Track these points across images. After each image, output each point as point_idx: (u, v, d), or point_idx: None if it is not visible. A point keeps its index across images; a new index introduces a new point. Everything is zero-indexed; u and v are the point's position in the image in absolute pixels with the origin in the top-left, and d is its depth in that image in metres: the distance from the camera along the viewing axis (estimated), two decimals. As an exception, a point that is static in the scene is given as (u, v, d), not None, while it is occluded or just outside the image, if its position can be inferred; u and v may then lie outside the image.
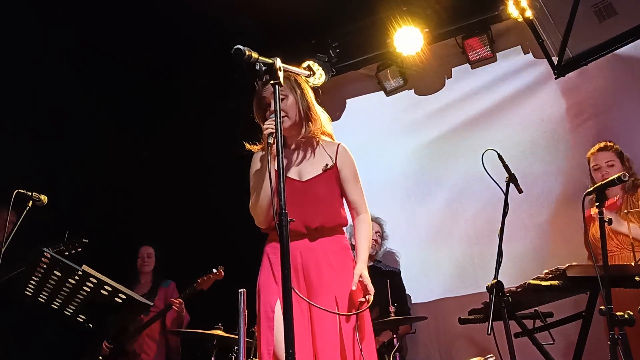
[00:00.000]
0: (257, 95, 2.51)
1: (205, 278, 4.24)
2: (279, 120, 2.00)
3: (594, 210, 2.91)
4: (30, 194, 3.29)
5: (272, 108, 2.19)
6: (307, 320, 2.29)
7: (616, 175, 2.28)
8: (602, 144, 3.47)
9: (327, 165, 2.47)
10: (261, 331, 2.30)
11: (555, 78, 2.35)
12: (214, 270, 4.25)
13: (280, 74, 2.04)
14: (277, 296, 2.28)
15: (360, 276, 2.29)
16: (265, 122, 2.24)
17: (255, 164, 2.52)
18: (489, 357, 2.32)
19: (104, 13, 4.37)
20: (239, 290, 2.20)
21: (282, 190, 1.90)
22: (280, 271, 1.97)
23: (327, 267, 2.35)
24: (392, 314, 3.75)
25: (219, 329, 3.85)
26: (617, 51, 2.12)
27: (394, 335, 3.87)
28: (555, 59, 2.25)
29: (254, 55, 2.00)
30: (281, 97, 2.25)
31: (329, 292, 2.31)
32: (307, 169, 2.47)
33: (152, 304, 3.19)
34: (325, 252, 2.38)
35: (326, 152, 2.50)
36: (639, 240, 3.15)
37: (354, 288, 2.27)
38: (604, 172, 3.38)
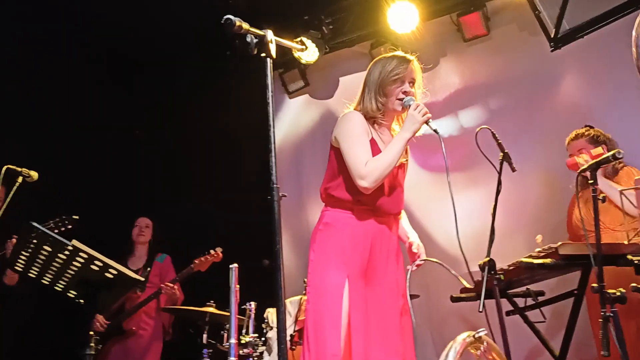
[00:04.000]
0: (395, 68, 2.48)
1: (202, 259, 4.23)
2: (270, 94, 1.97)
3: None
4: (20, 170, 3.25)
5: (408, 89, 2.46)
6: (364, 302, 2.35)
7: (611, 153, 2.27)
8: (573, 134, 3.47)
9: (405, 159, 2.59)
10: (326, 304, 2.31)
11: (552, 51, 2.32)
12: (212, 252, 4.24)
13: (272, 47, 2.01)
14: (345, 276, 2.33)
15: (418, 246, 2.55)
16: (422, 106, 2.39)
17: (359, 124, 2.46)
18: (481, 331, 2.34)
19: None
20: (231, 266, 2.19)
21: (273, 165, 1.88)
22: (354, 250, 2.33)
23: (394, 255, 2.48)
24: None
25: (211, 306, 3.85)
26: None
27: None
28: (552, 32, 2.22)
29: (245, 26, 1.97)
30: (413, 83, 2.50)
31: (393, 278, 2.43)
32: None
33: (143, 279, 3.19)
34: (396, 239, 2.52)
35: None
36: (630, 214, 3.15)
37: (414, 250, 2.50)
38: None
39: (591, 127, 3.45)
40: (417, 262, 2.46)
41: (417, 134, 2.43)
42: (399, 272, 2.50)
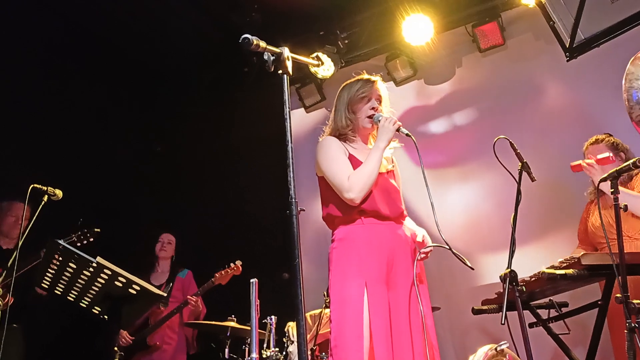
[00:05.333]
0: (361, 88, 2.66)
1: (222, 273, 4.28)
2: (287, 110, 2.00)
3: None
4: (45, 188, 3.32)
5: (375, 105, 2.60)
6: (386, 306, 2.37)
7: (632, 161, 2.24)
8: (593, 138, 3.45)
9: (392, 165, 2.69)
10: (347, 315, 2.32)
11: (567, 60, 2.32)
12: (232, 265, 4.29)
13: (289, 64, 2.04)
14: (364, 284, 2.36)
15: (424, 236, 2.56)
16: (391, 117, 2.55)
17: (333, 146, 2.59)
18: (503, 344, 2.32)
19: (114, 7, 4.38)
20: (251, 281, 2.21)
21: (291, 179, 1.90)
22: (371, 257, 2.36)
23: (410, 252, 2.52)
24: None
25: (232, 320, 3.87)
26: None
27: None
28: (567, 42, 2.21)
29: (262, 44, 2.00)
30: (379, 100, 2.64)
31: (410, 277, 2.44)
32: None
33: (165, 294, 3.22)
34: (407, 237, 2.55)
35: (384, 154, 2.66)
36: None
37: (419, 240, 2.52)
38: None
39: (611, 135, 3.42)
40: (424, 249, 2.49)
41: (392, 143, 2.59)
42: (419, 273, 2.52)
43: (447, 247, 2.39)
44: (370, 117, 2.61)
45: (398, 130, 2.52)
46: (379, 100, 2.67)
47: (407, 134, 2.52)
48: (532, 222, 4.20)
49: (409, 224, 2.67)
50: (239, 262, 4.31)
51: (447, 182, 4.82)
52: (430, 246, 2.50)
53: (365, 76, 2.72)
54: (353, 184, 2.43)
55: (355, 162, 2.54)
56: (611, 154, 3.26)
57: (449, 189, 4.79)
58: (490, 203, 4.53)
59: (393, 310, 2.39)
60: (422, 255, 2.49)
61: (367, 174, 2.45)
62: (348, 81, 2.75)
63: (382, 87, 2.71)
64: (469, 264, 2.42)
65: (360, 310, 2.31)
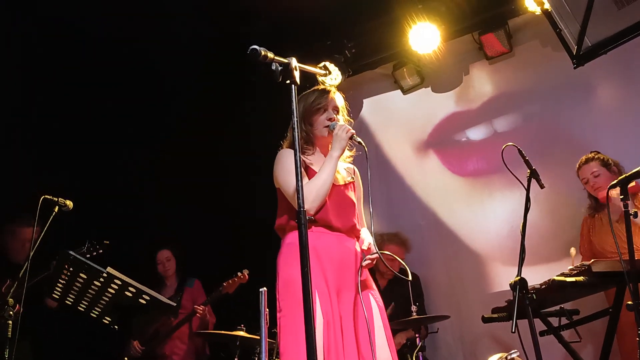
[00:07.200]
0: (317, 99, 2.64)
1: (230, 282, 4.31)
2: (295, 119, 2.01)
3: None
4: (56, 199, 3.34)
5: (332, 115, 2.60)
6: (336, 312, 2.35)
7: (641, 167, 2.24)
8: (584, 158, 3.52)
9: (351, 177, 2.67)
10: (299, 319, 2.18)
11: (575, 68, 2.32)
12: (239, 274, 4.32)
13: (296, 74, 2.05)
14: (314, 290, 2.29)
15: (369, 243, 2.51)
16: (344, 125, 2.52)
17: (289, 158, 2.54)
18: (513, 353, 2.30)
19: (122, 19, 4.43)
20: (260, 290, 2.21)
21: (300, 188, 1.91)
22: (320, 263, 2.33)
23: (357, 264, 2.49)
24: (414, 314, 3.74)
25: (242, 330, 3.88)
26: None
27: (417, 335, 3.85)
28: (574, 49, 2.22)
29: (270, 55, 2.01)
30: (337, 110, 2.64)
31: (356, 286, 2.42)
32: (338, 175, 2.60)
33: (175, 304, 3.24)
34: (356, 250, 2.52)
35: (344, 166, 2.69)
36: None
37: (364, 248, 2.48)
38: (592, 183, 3.44)
39: (599, 152, 3.50)
40: (370, 256, 2.45)
41: (347, 150, 2.59)
42: (365, 283, 2.50)
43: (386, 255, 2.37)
44: (327, 126, 2.60)
45: (351, 138, 2.49)
46: (336, 110, 2.66)
47: (359, 142, 2.49)
48: (545, 229, 4.17)
49: (364, 234, 2.63)
50: (245, 271, 4.34)
51: (453, 191, 4.82)
52: (376, 253, 2.46)
53: (320, 87, 2.72)
54: (306, 195, 2.33)
55: (311, 174, 2.53)
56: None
57: (455, 198, 4.79)
58: (501, 211, 4.50)
59: (340, 316, 2.37)
60: (367, 262, 2.46)
61: (319, 184, 2.43)
62: (304, 93, 2.72)
63: (339, 97, 2.70)
64: (408, 277, 2.42)
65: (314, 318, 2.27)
